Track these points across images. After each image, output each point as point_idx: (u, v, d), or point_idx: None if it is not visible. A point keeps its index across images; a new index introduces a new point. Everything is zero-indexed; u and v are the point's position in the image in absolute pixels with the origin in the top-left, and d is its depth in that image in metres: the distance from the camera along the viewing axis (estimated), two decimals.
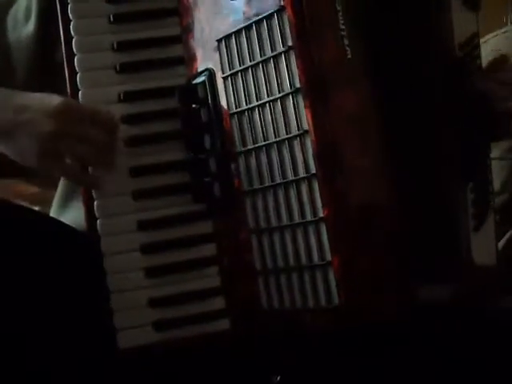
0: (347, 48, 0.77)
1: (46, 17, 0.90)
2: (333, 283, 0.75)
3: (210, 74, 0.83)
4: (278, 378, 0.80)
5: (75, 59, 0.84)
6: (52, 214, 0.98)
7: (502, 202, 1.11)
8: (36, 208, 1.16)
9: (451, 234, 0.84)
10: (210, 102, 0.83)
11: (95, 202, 0.83)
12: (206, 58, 0.83)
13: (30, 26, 0.92)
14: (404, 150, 0.80)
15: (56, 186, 0.97)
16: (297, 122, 0.76)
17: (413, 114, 0.82)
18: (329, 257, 0.75)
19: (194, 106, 0.83)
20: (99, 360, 0.82)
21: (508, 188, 1.13)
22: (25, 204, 1.13)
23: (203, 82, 0.83)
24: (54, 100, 0.78)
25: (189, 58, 0.85)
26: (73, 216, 0.89)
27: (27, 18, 0.93)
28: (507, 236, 1.10)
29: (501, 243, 1.08)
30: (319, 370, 0.81)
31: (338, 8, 0.77)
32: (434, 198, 0.82)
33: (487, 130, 0.89)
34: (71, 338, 0.81)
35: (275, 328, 0.80)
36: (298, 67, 0.76)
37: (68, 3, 0.84)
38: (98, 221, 0.83)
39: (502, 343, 0.86)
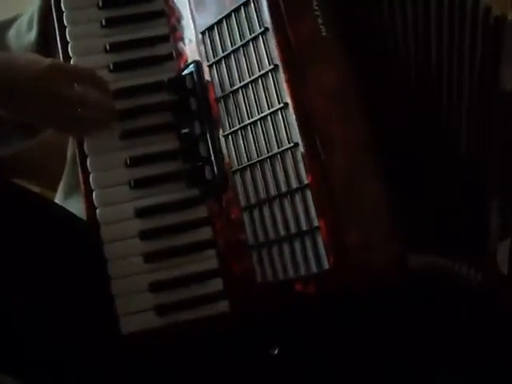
0: (322, 26, 0.82)
1: (47, 26, 0.97)
2: (321, 248, 0.77)
3: (197, 65, 0.88)
4: (276, 351, 0.81)
5: (71, 62, 0.89)
6: None
7: None
8: None
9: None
10: (198, 90, 0.87)
11: (94, 193, 0.87)
12: (194, 52, 0.88)
13: (32, 34, 0.99)
14: (387, 120, 0.83)
15: (56, 187, 1.01)
16: (277, 96, 0.80)
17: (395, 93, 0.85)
18: (316, 222, 0.77)
19: (183, 95, 0.88)
20: (102, 346, 0.84)
21: None
22: None
23: (191, 73, 0.88)
24: (44, 61, 0.83)
25: (177, 54, 0.90)
26: (76, 209, 0.92)
27: (30, 27, 1.00)
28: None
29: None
30: (316, 339, 0.81)
31: None
32: (426, 166, 0.83)
33: None
34: (73, 324, 0.83)
35: (270, 302, 0.81)
36: (275, 45, 0.80)
37: (63, 11, 0.91)
38: (97, 210, 0.87)
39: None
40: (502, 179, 0.89)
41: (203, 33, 0.87)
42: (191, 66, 0.88)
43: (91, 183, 0.87)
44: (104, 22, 0.90)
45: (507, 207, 0.90)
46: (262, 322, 0.82)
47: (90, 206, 0.87)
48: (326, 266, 0.77)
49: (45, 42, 0.97)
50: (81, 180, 0.88)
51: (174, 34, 0.91)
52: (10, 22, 1.02)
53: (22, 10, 1.03)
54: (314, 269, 0.78)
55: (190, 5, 0.89)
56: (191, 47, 0.89)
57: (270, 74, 0.80)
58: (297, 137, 0.79)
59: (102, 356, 0.84)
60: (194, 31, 0.88)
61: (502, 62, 0.84)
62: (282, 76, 0.79)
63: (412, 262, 0.80)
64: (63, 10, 0.90)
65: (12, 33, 1.01)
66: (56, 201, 1.01)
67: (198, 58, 0.88)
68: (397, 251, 0.79)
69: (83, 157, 0.88)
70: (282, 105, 0.79)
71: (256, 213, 0.82)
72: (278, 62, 0.80)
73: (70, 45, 0.90)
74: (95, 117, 0.86)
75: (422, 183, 0.83)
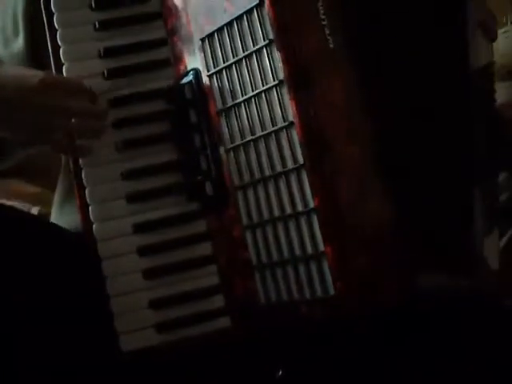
0: (328, 38, 0.77)
1: (34, 30, 0.92)
2: (327, 273, 0.75)
3: (197, 73, 0.83)
4: (281, 373, 0.80)
5: (63, 68, 0.85)
6: (53, 213, 0.99)
7: (501, 202, 1.10)
8: (36, 208, 1.17)
9: (452, 226, 0.84)
10: (197, 101, 0.83)
11: (90, 207, 0.84)
12: (193, 59, 0.84)
13: (20, 41, 0.94)
14: (394, 138, 0.79)
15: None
16: (282, 113, 0.76)
17: (404, 106, 0.81)
18: (322, 247, 0.75)
19: (182, 106, 0.84)
20: (102, 364, 0.82)
21: (508, 187, 1.12)
22: (25, 204, 1.14)
23: (190, 81, 0.84)
24: (37, 74, 0.80)
25: (175, 60, 0.86)
26: (73, 215, 0.89)
27: (16, 32, 0.94)
28: (507, 236, 1.09)
29: (501, 243, 1.07)
30: (320, 362, 0.80)
31: None
32: (432, 185, 0.81)
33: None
34: (72, 343, 0.81)
35: (274, 322, 0.79)
36: (280, 60, 0.76)
37: (54, 13, 0.85)
38: (94, 225, 0.84)
39: (503, 343, 0.84)
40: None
41: (203, 39, 0.82)
42: (190, 74, 0.84)
43: (87, 197, 0.84)
44: (97, 25, 0.85)
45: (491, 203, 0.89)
46: (265, 342, 0.81)
47: (86, 221, 0.84)
48: (332, 291, 0.75)
49: (34, 47, 0.92)
50: (76, 194, 0.85)
51: (171, 37, 0.86)
52: None
53: None
54: (319, 293, 0.76)
55: (189, 8, 0.84)
56: (190, 52, 0.84)
57: (274, 89, 0.76)
58: (302, 158, 0.75)
59: (103, 374, 0.83)
60: (193, 36, 0.83)
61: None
62: (286, 93, 0.76)
63: (419, 283, 0.78)
64: (53, 11, 0.85)
65: None
66: (52, 213, 0.98)
67: (197, 65, 0.83)
68: (405, 274, 0.77)
69: (78, 169, 0.84)
70: (286, 123, 0.76)
71: (259, 233, 0.79)
72: (283, 77, 0.76)
73: (61, 49, 0.85)
74: (90, 127, 0.82)
75: (424, 197, 0.81)
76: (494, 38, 0.94)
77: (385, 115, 0.78)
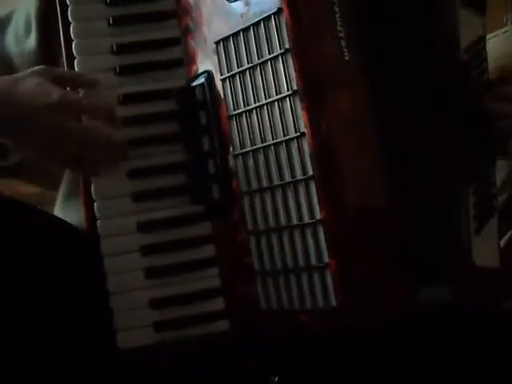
0: (345, 49, 0.78)
1: (46, 29, 0.91)
2: (330, 285, 0.75)
3: (209, 76, 0.83)
4: (277, 379, 0.81)
5: (75, 62, 0.84)
6: (56, 212, 0.99)
7: (501, 202, 1.10)
8: None
9: (451, 236, 0.84)
10: (208, 104, 0.83)
11: (95, 204, 0.84)
12: (205, 60, 0.84)
13: (32, 40, 0.93)
14: (404, 151, 0.80)
15: (57, 187, 0.98)
16: (294, 124, 0.76)
17: (413, 116, 0.82)
18: (326, 259, 0.75)
19: (192, 108, 0.84)
20: (99, 360, 0.83)
21: (507, 188, 1.13)
22: None
23: (202, 84, 0.83)
24: (54, 93, 0.77)
25: (188, 60, 0.85)
26: (76, 214, 0.89)
27: (28, 31, 0.94)
28: (507, 236, 1.10)
29: (501, 243, 1.07)
30: (317, 371, 0.81)
31: (336, 9, 0.77)
32: (435, 200, 0.82)
33: (490, 136, 0.90)
34: (71, 338, 0.82)
35: (273, 328, 0.80)
36: (295, 69, 0.76)
37: (68, 6, 0.85)
38: (98, 222, 0.84)
39: (504, 347, 0.85)
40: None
41: (217, 42, 0.82)
42: (202, 76, 0.83)
43: (92, 194, 0.84)
44: (111, 21, 0.85)
45: (481, 195, 0.90)
46: (262, 347, 0.81)
47: (91, 217, 0.84)
48: (334, 303, 0.75)
49: (46, 47, 0.91)
50: (81, 190, 0.85)
51: (185, 37, 0.85)
52: (7, 19, 0.96)
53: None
54: (321, 303, 0.76)
55: (204, 9, 0.83)
56: (203, 54, 0.84)
57: (287, 99, 0.76)
58: (311, 169, 0.76)
59: (99, 370, 0.83)
60: (207, 38, 0.83)
61: None
62: (300, 103, 0.76)
63: (421, 296, 0.79)
64: (68, 4, 0.84)
65: (10, 39, 0.95)
66: (55, 211, 0.97)
67: (209, 67, 0.83)
68: (408, 291, 0.78)
69: None
70: (298, 134, 0.76)
71: (264, 240, 0.80)
72: (296, 87, 0.76)
73: (74, 43, 0.84)
74: (103, 156, 0.81)
75: (425, 206, 0.81)
76: (483, 12, 0.93)
77: (395, 129, 0.79)
